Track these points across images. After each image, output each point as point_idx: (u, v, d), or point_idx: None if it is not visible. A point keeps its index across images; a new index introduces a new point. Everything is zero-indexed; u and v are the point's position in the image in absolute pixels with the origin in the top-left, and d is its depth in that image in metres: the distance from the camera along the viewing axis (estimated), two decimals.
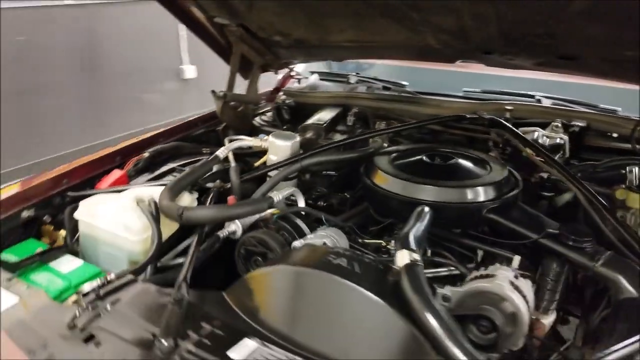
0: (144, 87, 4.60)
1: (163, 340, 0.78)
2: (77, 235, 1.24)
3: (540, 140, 1.47)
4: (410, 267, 0.86)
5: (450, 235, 1.21)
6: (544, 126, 1.50)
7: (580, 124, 1.50)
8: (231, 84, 1.76)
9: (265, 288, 0.96)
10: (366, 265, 0.92)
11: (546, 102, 1.69)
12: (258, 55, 1.84)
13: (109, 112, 4.33)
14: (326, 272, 0.87)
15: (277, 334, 0.86)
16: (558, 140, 1.46)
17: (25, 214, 1.24)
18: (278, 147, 1.45)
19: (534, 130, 1.49)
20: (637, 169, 1.27)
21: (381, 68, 2.04)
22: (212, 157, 1.40)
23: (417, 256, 0.89)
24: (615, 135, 1.50)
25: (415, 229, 1.01)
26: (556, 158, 1.39)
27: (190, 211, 1.10)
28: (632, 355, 0.74)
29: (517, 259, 1.08)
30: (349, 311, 0.86)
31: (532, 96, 1.74)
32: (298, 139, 1.49)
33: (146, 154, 1.52)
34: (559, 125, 1.49)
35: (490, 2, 1.17)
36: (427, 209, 1.10)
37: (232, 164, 1.38)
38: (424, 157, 1.34)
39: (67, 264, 1.13)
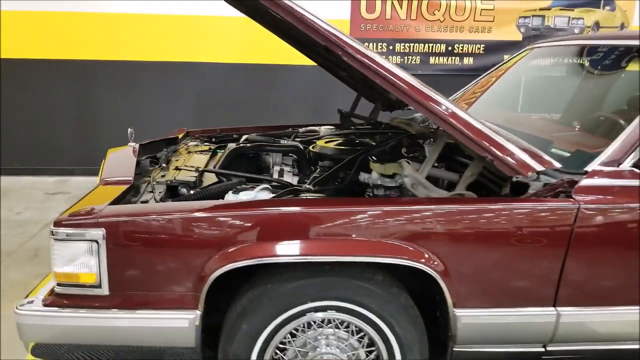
0: None
1: None
2: None
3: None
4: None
5: None
6: None
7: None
8: (353, 107, 3.27)
9: None
10: None
11: None
12: (379, 94, 3.27)
13: None
14: None
15: None
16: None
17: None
18: (321, 130, 2.98)
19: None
20: None
21: None
22: (294, 129, 3.07)
23: None
24: None
25: None
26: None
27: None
28: None
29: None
30: None
31: None
32: (332, 130, 2.96)
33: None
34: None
35: None
36: None
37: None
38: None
39: None
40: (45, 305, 1.62)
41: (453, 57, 5.77)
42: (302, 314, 1.67)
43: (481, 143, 1.61)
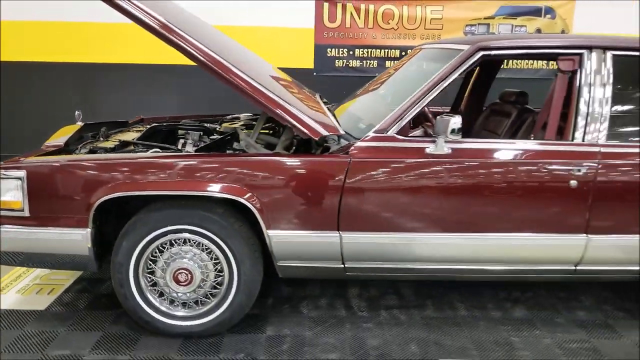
0: None
1: None
2: None
3: None
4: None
5: None
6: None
7: None
8: None
9: None
10: None
11: None
12: None
13: None
14: None
15: None
16: None
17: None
18: (241, 117, 3.71)
19: None
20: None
21: None
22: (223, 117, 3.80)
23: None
24: None
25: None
26: None
27: None
28: None
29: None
30: None
31: None
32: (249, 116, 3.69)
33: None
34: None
35: None
36: None
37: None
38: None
39: None
40: None
41: None
42: (164, 234, 2.40)
43: (281, 114, 2.31)
